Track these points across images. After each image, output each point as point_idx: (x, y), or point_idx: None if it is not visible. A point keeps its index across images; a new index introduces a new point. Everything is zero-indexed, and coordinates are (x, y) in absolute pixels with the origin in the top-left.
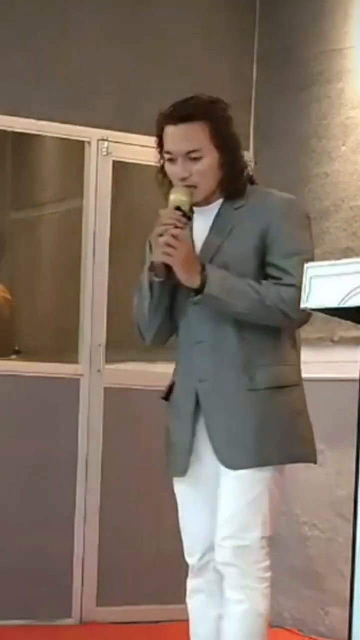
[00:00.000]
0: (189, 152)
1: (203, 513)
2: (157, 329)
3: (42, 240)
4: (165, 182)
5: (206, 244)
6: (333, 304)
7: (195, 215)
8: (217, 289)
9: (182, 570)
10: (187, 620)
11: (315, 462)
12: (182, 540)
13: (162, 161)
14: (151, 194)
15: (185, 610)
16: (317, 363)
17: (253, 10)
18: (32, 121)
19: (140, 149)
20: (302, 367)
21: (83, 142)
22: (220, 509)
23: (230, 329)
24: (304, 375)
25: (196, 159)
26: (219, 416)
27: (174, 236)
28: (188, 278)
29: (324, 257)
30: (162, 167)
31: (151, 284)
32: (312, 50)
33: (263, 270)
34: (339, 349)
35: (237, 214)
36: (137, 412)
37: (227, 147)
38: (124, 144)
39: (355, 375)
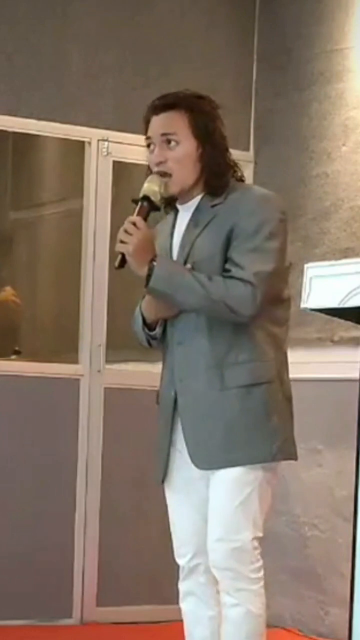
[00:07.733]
0: (164, 135)
1: (191, 515)
2: (158, 345)
3: (42, 240)
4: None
5: (183, 239)
6: (333, 304)
7: (180, 212)
8: (162, 283)
9: None
10: None
11: (294, 459)
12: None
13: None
14: None
15: None
16: (317, 363)
17: (253, 10)
18: (32, 121)
19: (140, 149)
20: (303, 367)
21: (83, 142)
22: (210, 513)
23: (202, 328)
24: (305, 375)
25: (172, 145)
26: (190, 416)
27: (133, 223)
28: (137, 267)
29: (324, 257)
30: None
31: (151, 331)
32: (312, 50)
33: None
34: (338, 349)
35: (213, 211)
36: (137, 412)
37: (208, 139)
38: (124, 144)
39: (355, 375)
